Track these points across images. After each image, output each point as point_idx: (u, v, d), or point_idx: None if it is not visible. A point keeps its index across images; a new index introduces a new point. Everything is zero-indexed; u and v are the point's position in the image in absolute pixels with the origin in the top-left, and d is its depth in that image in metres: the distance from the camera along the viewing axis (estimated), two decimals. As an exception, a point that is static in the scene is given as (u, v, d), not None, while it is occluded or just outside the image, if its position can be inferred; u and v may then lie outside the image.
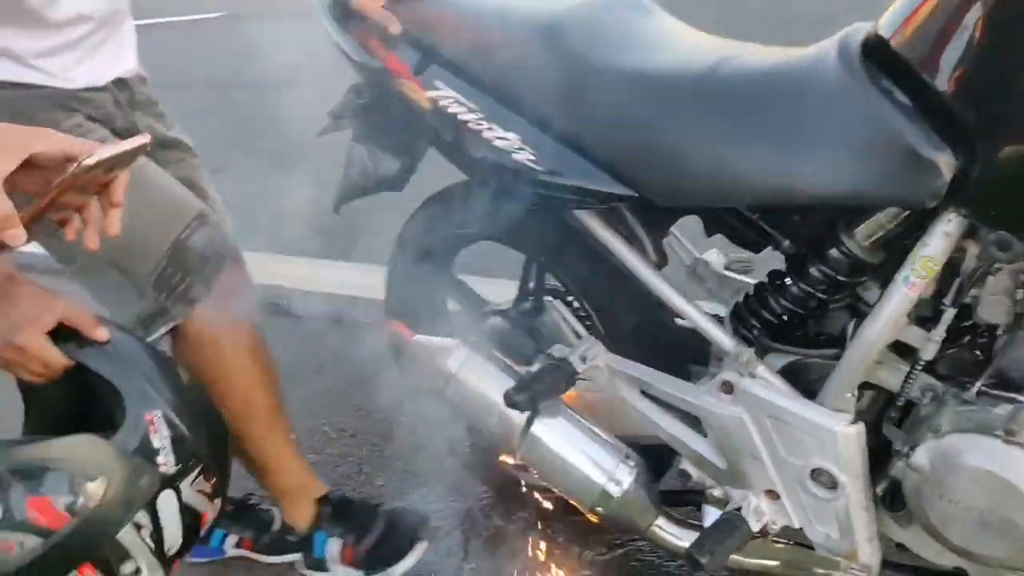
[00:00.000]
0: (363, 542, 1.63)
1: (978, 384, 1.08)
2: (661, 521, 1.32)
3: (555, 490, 1.40)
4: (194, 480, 1.15)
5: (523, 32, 1.28)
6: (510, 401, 1.25)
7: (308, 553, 1.64)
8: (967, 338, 1.15)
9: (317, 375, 2.32)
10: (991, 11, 0.93)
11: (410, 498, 1.88)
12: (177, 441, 1.13)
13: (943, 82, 0.98)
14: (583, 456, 1.33)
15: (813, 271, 1.21)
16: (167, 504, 1.12)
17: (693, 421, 1.29)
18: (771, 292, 1.27)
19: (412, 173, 1.68)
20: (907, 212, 1.10)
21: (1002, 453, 1.02)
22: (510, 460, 1.51)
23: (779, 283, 1.26)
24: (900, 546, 1.21)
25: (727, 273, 1.51)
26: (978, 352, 1.14)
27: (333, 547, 1.63)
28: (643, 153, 1.18)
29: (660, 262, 1.34)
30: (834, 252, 1.18)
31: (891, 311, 1.07)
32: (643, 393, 1.32)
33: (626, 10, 1.32)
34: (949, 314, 1.06)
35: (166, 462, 1.11)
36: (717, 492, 1.30)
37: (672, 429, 1.30)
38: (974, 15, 0.94)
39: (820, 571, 1.24)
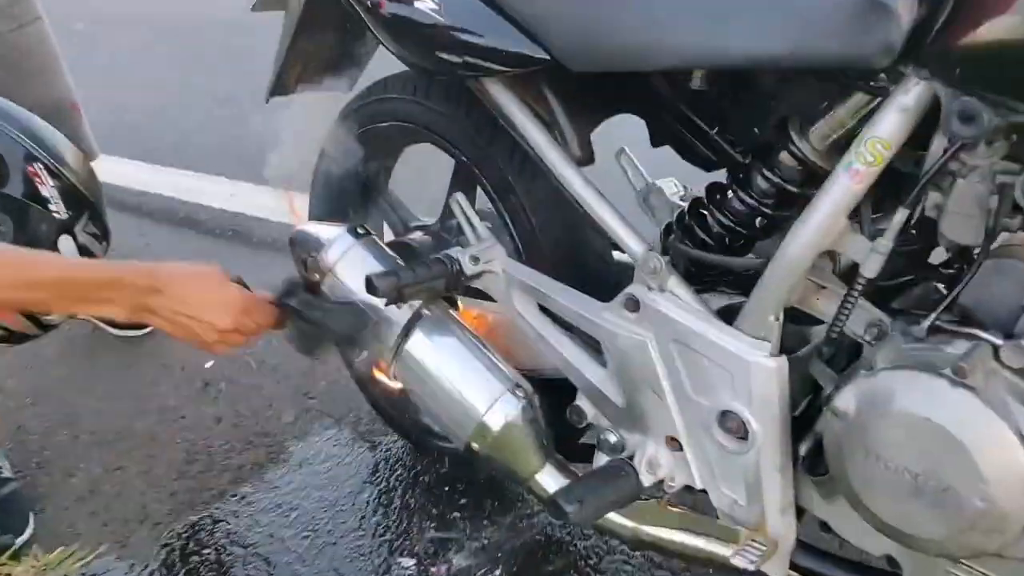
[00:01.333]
0: None
1: (932, 317, 0.83)
2: (548, 469, 1.09)
3: (431, 421, 1.19)
4: (84, 224, 1.24)
5: None
6: (370, 286, 1.04)
7: None
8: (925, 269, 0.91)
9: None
10: None
11: (311, 440, 1.68)
12: (63, 190, 1.21)
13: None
14: (464, 379, 1.12)
15: (759, 180, 0.99)
16: (67, 248, 1.21)
17: (595, 349, 1.07)
18: (709, 206, 1.05)
19: (358, 73, 1.50)
20: (870, 106, 0.88)
21: (944, 395, 0.77)
22: (386, 381, 1.30)
23: (719, 197, 1.04)
24: (824, 526, 0.97)
25: (683, 204, 1.29)
26: (939, 284, 0.90)
27: None
28: (555, 5, 0.97)
29: (585, 159, 1.12)
30: (785, 156, 0.97)
31: (828, 207, 0.84)
32: (541, 310, 1.10)
33: None
34: (900, 216, 0.82)
35: (58, 210, 1.20)
36: (612, 437, 1.06)
37: (568, 353, 1.07)
38: None
39: (718, 547, 0.99)
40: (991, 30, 0.72)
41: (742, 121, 1.13)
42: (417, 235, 1.42)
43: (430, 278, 1.06)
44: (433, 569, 1.37)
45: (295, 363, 1.90)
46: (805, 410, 0.96)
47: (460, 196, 1.15)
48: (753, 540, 0.93)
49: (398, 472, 1.58)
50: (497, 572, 1.36)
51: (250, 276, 1.14)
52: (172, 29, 4.79)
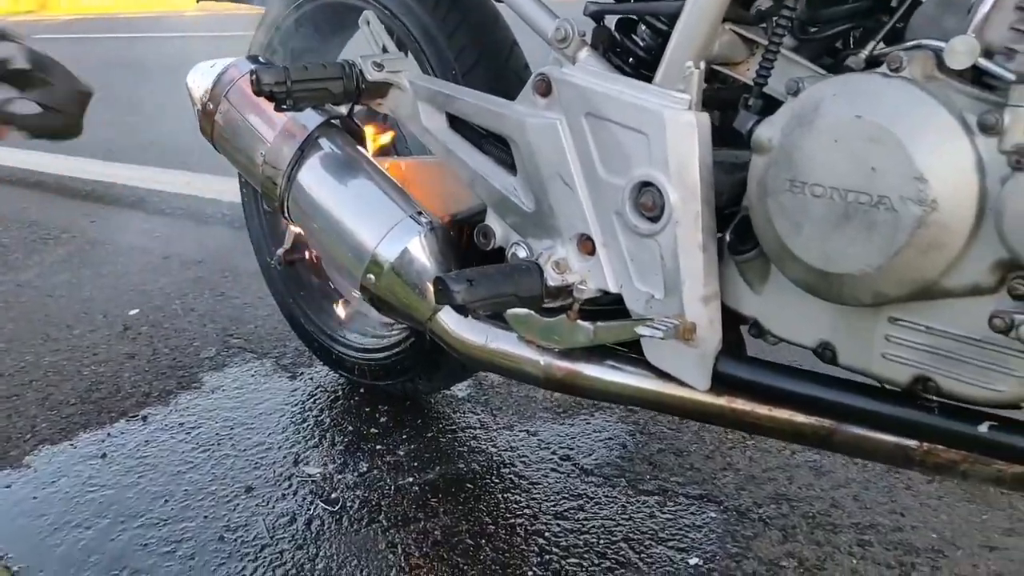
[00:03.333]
0: None
1: (871, 45, 0.73)
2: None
3: (323, 262, 1.06)
4: None
5: None
6: (257, 83, 0.93)
7: None
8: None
9: (196, 264, 2.03)
10: None
11: (229, 371, 1.54)
12: None
13: None
14: (358, 206, 1.00)
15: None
16: None
17: (505, 162, 0.95)
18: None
19: None
20: None
21: (879, 90, 0.65)
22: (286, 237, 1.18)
23: None
24: (756, 330, 0.82)
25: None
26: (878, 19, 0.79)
27: None
28: None
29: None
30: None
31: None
32: (451, 127, 0.99)
33: None
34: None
35: None
36: (521, 251, 0.93)
37: (476, 165, 0.95)
38: None
39: (639, 379, 0.86)
40: None
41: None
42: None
43: (323, 77, 0.96)
44: (339, 476, 1.21)
45: (224, 309, 1.77)
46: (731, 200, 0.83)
47: (370, 14, 1.05)
48: (666, 319, 0.78)
49: (316, 396, 1.43)
50: (410, 480, 1.20)
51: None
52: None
